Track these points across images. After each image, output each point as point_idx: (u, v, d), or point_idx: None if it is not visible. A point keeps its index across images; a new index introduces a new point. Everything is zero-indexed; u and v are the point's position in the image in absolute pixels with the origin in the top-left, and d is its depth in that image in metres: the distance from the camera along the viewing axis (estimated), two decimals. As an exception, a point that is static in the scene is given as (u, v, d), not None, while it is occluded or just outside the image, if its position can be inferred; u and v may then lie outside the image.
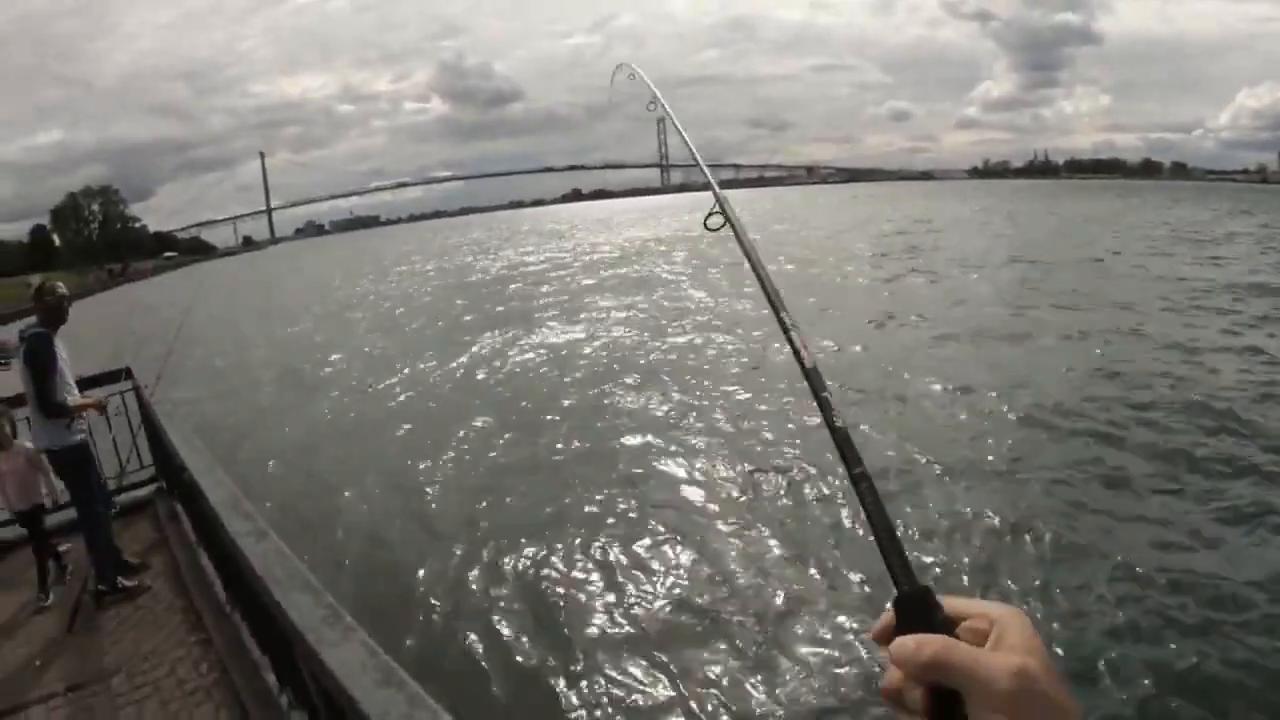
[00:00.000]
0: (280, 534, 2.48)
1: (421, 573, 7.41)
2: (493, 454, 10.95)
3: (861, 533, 6.77)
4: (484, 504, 9.02)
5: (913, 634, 0.58)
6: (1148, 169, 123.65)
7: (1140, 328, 14.87)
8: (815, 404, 0.74)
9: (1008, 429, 9.80)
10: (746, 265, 0.94)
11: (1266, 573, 6.17)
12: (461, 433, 12.10)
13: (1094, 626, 5.58)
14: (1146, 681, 5.02)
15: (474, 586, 7.14)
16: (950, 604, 0.61)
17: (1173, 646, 5.38)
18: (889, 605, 0.62)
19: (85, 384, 5.97)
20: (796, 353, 0.79)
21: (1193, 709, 4.80)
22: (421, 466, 10.42)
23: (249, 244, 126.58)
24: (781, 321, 0.82)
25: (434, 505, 9.19)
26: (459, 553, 7.82)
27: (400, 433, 12.23)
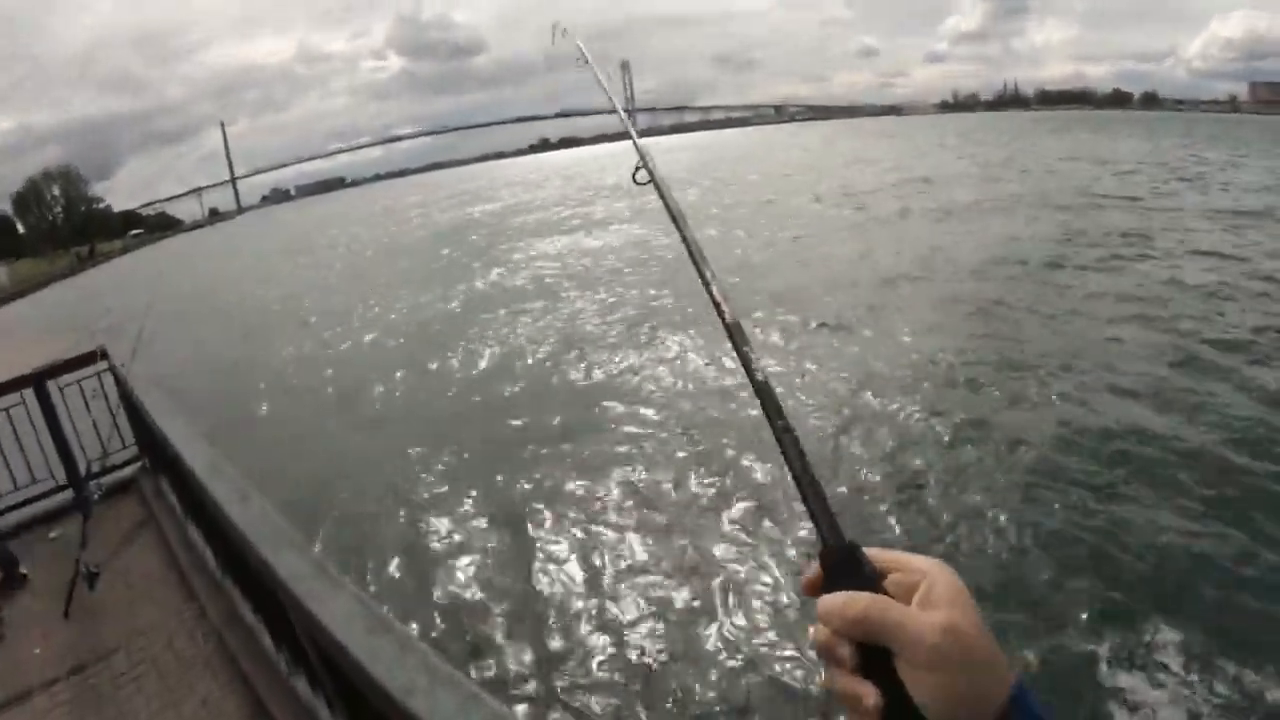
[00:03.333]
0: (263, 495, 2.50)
1: (395, 520, 7.69)
2: (451, 393, 11.49)
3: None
4: (444, 446, 9.31)
5: (840, 590, 0.59)
6: (1118, 99, 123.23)
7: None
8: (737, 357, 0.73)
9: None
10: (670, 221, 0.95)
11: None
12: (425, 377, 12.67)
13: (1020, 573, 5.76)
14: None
15: (440, 528, 7.42)
16: (876, 556, 0.62)
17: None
18: (815, 559, 0.63)
19: (63, 369, 5.95)
20: (718, 307, 0.79)
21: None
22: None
23: (215, 215, 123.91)
24: (703, 276, 0.82)
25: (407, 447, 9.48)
26: (424, 493, 8.17)
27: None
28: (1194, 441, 7.29)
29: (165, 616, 4.22)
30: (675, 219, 0.93)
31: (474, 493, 7.95)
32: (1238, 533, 5.81)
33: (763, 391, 0.71)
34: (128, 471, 6.02)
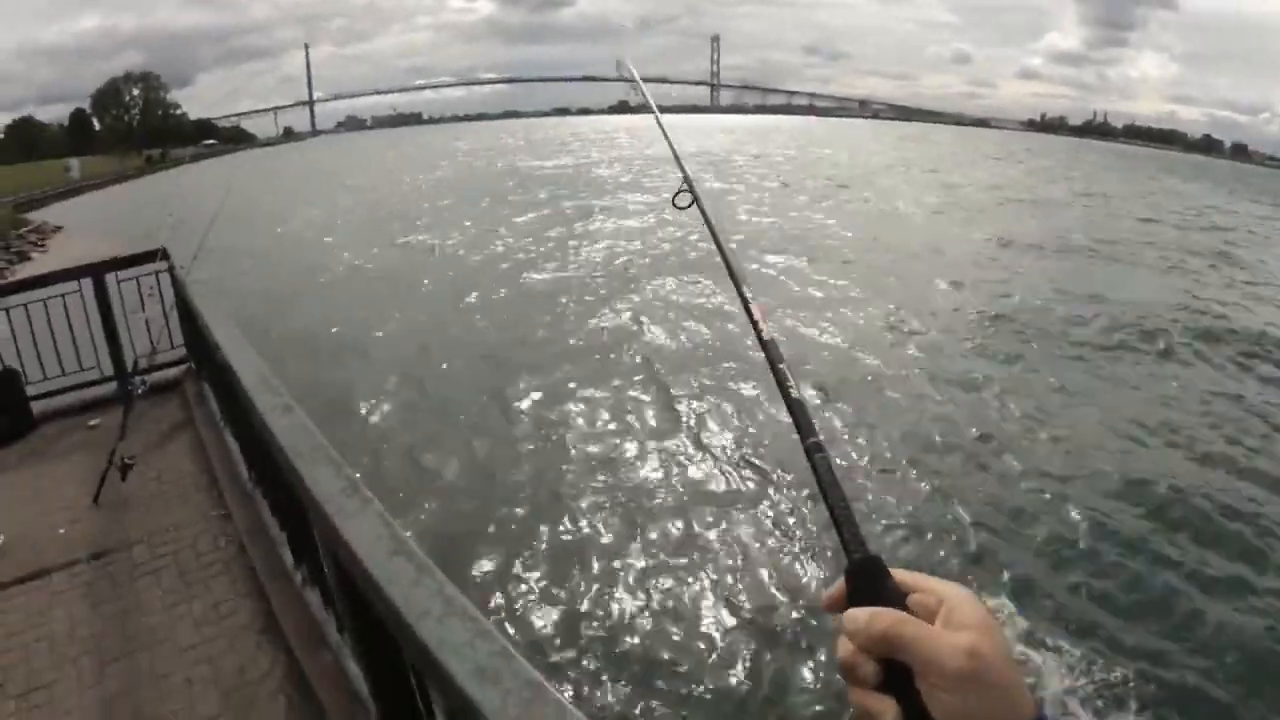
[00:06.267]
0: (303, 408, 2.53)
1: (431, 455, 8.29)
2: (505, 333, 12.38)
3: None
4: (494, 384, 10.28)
5: (865, 606, 0.59)
6: (1208, 145, 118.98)
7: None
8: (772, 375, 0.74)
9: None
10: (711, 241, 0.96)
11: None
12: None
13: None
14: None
15: (479, 469, 8.02)
16: (899, 576, 0.62)
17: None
18: (842, 574, 0.63)
19: (122, 264, 6.09)
20: (755, 325, 0.79)
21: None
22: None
23: (289, 135, 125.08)
24: (742, 295, 0.83)
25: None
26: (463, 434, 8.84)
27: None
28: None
29: (191, 517, 4.33)
30: (717, 240, 0.94)
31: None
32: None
33: (796, 408, 0.71)
34: (173, 373, 6.15)
